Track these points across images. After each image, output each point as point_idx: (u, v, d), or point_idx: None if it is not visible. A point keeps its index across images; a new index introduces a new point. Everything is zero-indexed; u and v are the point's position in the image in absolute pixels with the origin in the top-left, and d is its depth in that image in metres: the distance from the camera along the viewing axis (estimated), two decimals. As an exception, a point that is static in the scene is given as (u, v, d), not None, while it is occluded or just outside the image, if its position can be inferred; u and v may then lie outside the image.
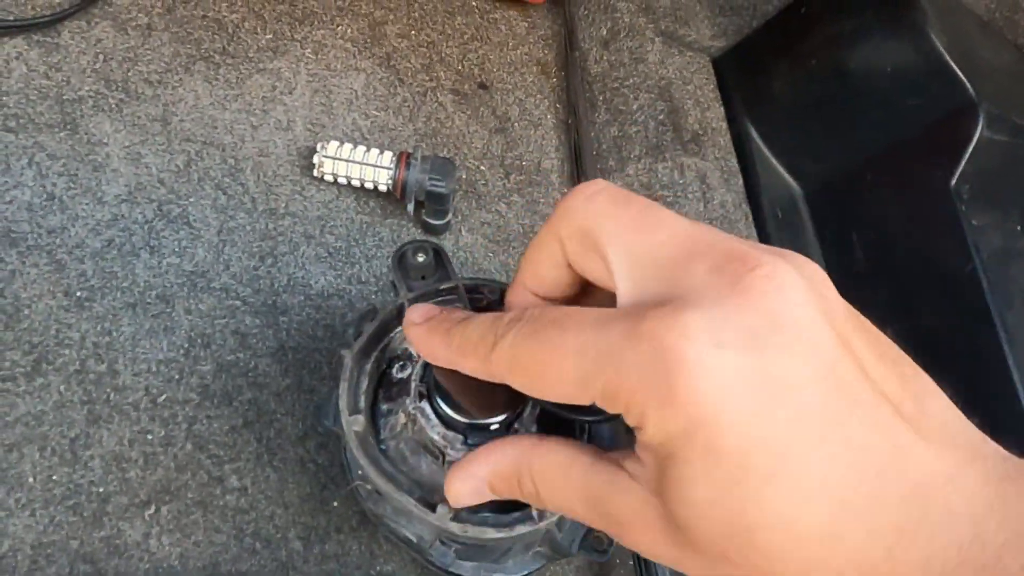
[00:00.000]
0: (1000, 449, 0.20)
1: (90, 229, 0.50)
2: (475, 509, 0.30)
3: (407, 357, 0.36)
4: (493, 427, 0.31)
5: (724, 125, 0.75)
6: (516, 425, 0.31)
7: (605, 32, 0.76)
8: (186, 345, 0.48)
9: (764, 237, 0.70)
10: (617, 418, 0.21)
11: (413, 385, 0.32)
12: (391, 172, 0.55)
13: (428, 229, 0.58)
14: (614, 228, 0.22)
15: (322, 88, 0.62)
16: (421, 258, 0.37)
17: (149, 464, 0.44)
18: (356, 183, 0.56)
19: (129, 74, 0.56)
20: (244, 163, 0.56)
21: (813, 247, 0.70)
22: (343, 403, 0.33)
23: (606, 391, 0.21)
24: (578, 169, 0.67)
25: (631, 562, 0.49)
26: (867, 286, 0.64)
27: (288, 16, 0.64)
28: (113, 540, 0.41)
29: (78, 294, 0.47)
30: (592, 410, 0.22)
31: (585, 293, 0.26)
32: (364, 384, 0.34)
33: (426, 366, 0.32)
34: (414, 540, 0.35)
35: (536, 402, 0.29)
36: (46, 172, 0.50)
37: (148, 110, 0.55)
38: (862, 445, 0.19)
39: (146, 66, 0.57)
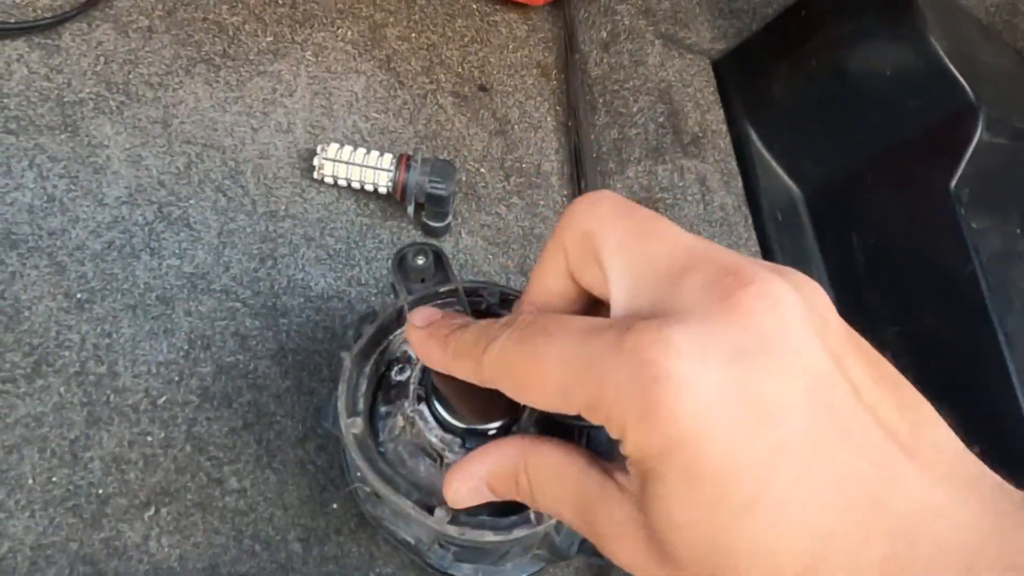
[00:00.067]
0: (999, 481, 0.19)
1: (90, 231, 0.50)
2: (473, 512, 0.30)
3: (406, 360, 0.36)
4: (491, 433, 0.31)
5: (724, 127, 0.76)
6: (514, 430, 0.31)
7: (605, 35, 0.76)
8: (186, 347, 0.48)
9: (764, 239, 0.70)
10: None
11: (412, 388, 0.32)
12: (391, 174, 0.55)
13: (428, 231, 0.58)
14: (614, 236, 0.22)
15: (322, 90, 0.62)
16: (421, 261, 0.37)
17: (149, 466, 0.44)
18: (356, 185, 0.56)
19: (130, 76, 0.56)
20: (244, 165, 0.56)
21: (813, 249, 0.70)
22: (342, 405, 0.33)
23: (588, 402, 0.20)
24: (578, 171, 0.67)
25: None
26: (867, 288, 0.64)
27: (288, 19, 0.64)
28: (113, 541, 0.41)
29: (78, 296, 0.47)
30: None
31: (594, 309, 0.25)
32: (363, 386, 0.34)
33: (424, 369, 0.32)
34: (413, 542, 0.35)
35: (533, 408, 0.29)
36: (47, 174, 0.50)
37: (149, 112, 0.55)
38: (850, 473, 0.18)
39: (147, 68, 0.57)
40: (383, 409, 0.35)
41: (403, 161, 0.56)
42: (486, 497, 0.27)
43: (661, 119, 0.73)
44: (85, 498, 0.42)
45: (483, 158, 0.65)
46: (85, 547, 0.41)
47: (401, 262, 0.37)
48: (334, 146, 0.56)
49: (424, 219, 0.57)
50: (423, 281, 0.37)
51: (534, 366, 0.22)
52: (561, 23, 0.77)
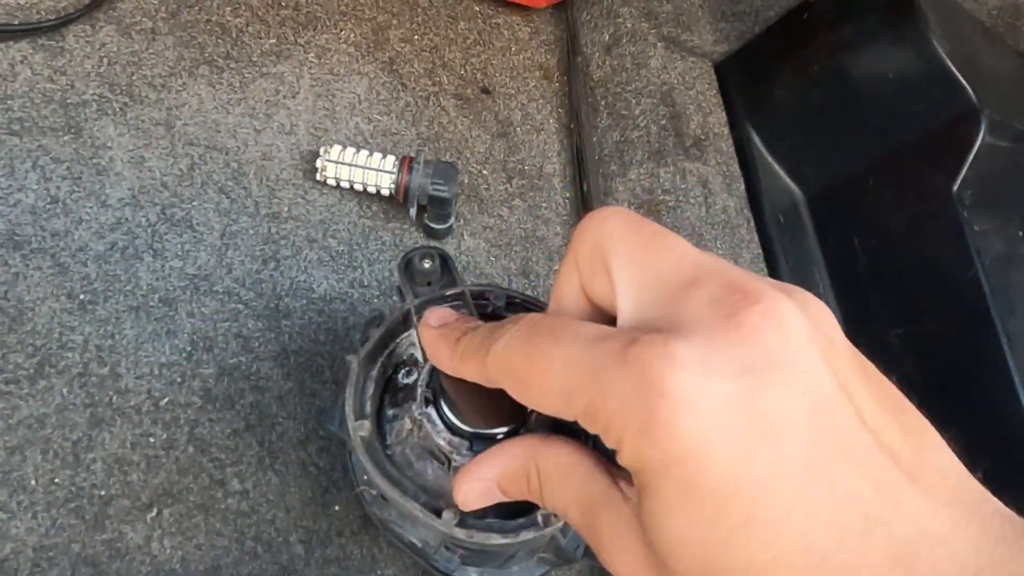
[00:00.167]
0: (1001, 508, 0.19)
1: (93, 232, 0.50)
2: (480, 515, 0.30)
3: (413, 363, 0.36)
4: (499, 437, 0.31)
5: (726, 130, 0.76)
6: (521, 434, 0.31)
7: (607, 37, 0.76)
8: (188, 348, 0.48)
9: (766, 242, 0.70)
10: None
11: (419, 391, 0.32)
12: (394, 176, 0.55)
13: (430, 233, 0.58)
14: (623, 249, 0.22)
15: (325, 92, 0.62)
16: (427, 264, 0.37)
17: (151, 467, 0.44)
18: (359, 187, 0.56)
19: (133, 78, 0.56)
20: (247, 167, 0.56)
21: (815, 252, 0.70)
22: (349, 408, 0.33)
23: (588, 410, 0.20)
24: (580, 174, 0.68)
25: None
26: (869, 291, 0.64)
27: (292, 21, 0.64)
28: (115, 543, 0.41)
29: (81, 297, 0.47)
30: None
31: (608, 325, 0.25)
32: (370, 389, 0.34)
33: (432, 371, 0.32)
34: (419, 545, 0.35)
35: (540, 414, 0.29)
36: (50, 175, 0.50)
37: (152, 114, 0.55)
38: (850, 493, 0.18)
39: (150, 70, 0.57)
40: (390, 412, 0.35)
41: (405, 163, 0.56)
42: (497, 498, 0.26)
43: (663, 121, 0.73)
44: (87, 499, 0.42)
45: (485, 160, 0.65)
46: (87, 548, 0.41)
47: (408, 265, 0.37)
48: (337, 148, 0.56)
49: (426, 221, 0.57)
50: (429, 284, 0.37)
51: (538, 366, 0.22)
52: (563, 26, 0.77)
